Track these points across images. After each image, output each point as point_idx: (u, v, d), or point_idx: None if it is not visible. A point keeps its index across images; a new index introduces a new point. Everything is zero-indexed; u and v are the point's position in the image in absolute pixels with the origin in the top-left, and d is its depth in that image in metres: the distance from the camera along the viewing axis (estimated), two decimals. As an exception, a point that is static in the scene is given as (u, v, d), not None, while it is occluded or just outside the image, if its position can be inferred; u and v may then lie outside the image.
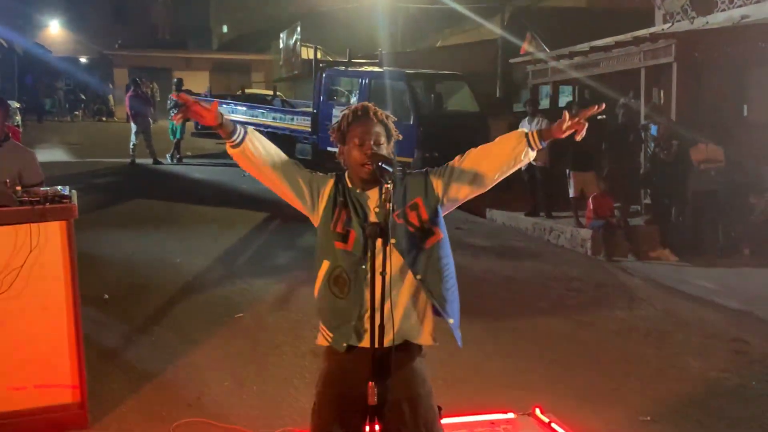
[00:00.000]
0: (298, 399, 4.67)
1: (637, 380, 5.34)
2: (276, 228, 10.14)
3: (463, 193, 2.74)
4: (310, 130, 15.07)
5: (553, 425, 3.99)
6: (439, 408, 2.77)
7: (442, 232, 2.70)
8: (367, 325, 2.61)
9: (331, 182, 2.74)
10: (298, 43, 19.89)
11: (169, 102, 17.55)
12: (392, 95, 13.34)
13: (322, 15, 26.25)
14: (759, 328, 6.66)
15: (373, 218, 2.64)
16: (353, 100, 14.19)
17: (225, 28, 38.85)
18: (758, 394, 5.13)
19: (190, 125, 18.60)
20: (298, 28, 20.12)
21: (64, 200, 4.17)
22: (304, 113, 15.91)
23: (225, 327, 6.17)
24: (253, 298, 7.00)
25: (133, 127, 16.34)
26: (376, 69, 15.29)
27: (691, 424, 4.63)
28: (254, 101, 18.73)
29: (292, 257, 8.49)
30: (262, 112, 16.72)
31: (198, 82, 25.71)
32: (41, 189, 4.32)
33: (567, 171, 10.56)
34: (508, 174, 2.77)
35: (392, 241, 2.57)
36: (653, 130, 10.59)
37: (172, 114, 17.13)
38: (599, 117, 13.23)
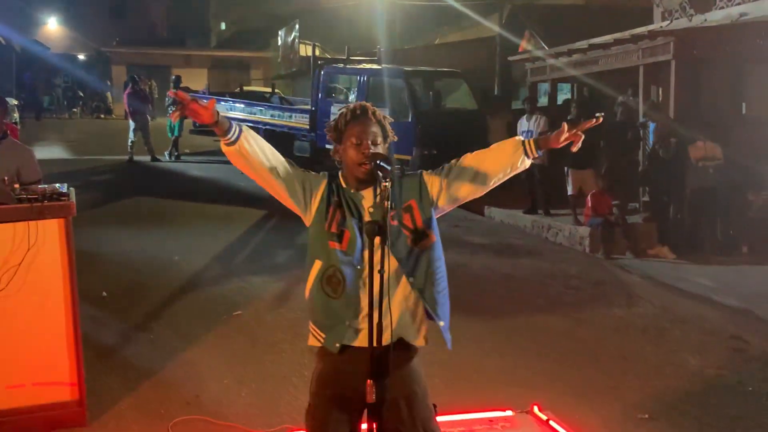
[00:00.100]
0: (296, 397, 4.67)
1: (635, 377, 5.34)
2: (274, 225, 10.15)
3: (458, 198, 2.75)
4: (308, 127, 15.06)
5: (551, 423, 3.99)
6: (435, 406, 2.78)
7: (435, 235, 2.70)
8: (362, 325, 2.60)
9: (324, 182, 2.72)
10: (297, 40, 19.92)
11: (167, 99, 17.54)
12: (390, 92, 13.33)
13: (320, 12, 26.23)
14: (757, 325, 6.67)
15: (367, 218, 2.63)
16: (352, 97, 14.18)
17: (223, 26, 38.85)
18: (756, 392, 5.13)
19: (188, 123, 18.57)
20: (297, 26, 20.15)
21: (63, 198, 4.16)
22: (302, 111, 15.90)
23: (223, 325, 6.17)
24: (251, 296, 7.00)
25: (132, 124, 16.34)
26: (375, 66, 15.27)
27: (688, 421, 4.64)
28: (252, 98, 18.73)
29: (290, 255, 8.50)
30: (261, 110, 16.71)
31: (196, 79, 25.69)
32: (39, 186, 4.32)
33: (565, 169, 10.57)
34: (503, 181, 2.77)
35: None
36: (652, 127, 10.59)
37: (171, 111, 17.13)
38: (597, 114, 13.24)
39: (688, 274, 8.46)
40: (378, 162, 2.55)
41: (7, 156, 4.62)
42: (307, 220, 2.73)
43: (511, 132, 12.52)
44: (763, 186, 9.58)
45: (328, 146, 2.85)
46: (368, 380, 2.51)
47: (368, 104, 2.76)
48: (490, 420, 4.03)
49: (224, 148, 2.62)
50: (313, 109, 15.07)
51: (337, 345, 2.64)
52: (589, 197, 9.89)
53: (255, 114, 16.62)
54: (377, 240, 2.48)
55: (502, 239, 10.28)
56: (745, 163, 9.61)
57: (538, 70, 14.59)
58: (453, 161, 2.76)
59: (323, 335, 2.69)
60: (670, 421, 4.62)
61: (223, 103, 17.04)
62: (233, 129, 2.57)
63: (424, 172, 2.78)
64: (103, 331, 5.82)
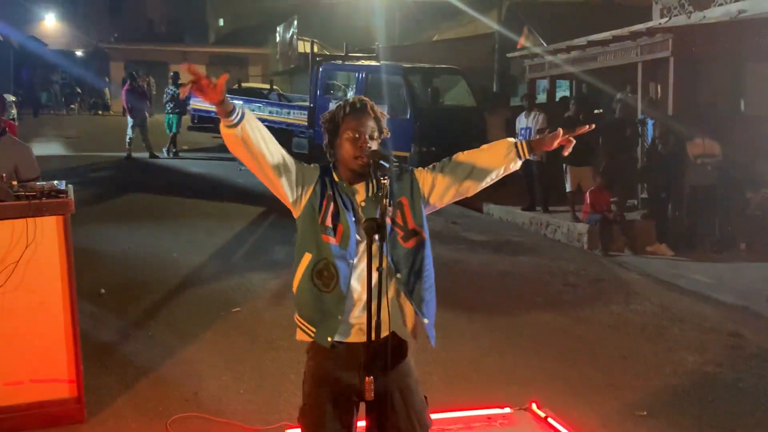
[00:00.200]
0: (295, 394, 4.65)
1: (634, 375, 5.35)
2: (272, 222, 10.15)
3: (448, 197, 2.75)
4: (306, 124, 15.06)
5: (550, 420, 3.99)
6: (425, 398, 2.78)
7: (425, 233, 2.69)
8: (355, 320, 2.60)
9: (317, 174, 2.70)
10: (295, 36, 19.88)
11: (165, 96, 17.53)
12: (389, 89, 13.32)
13: (318, 8, 26.18)
14: (755, 322, 6.68)
15: (360, 213, 2.63)
16: (350, 94, 14.18)
17: (221, 22, 38.80)
18: (754, 389, 5.14)
19: (186, 119, 18.59)
20: (295, 22, 20.10)
21: (61, 195, 4.15)
22: (300, 107, 15.90)
23: (221, 322, 6.17)
24: (249, 293, 7.00)
25: (130, 120, 16.33)
26: (373, 63, 15.27)
27: (686, 418, 4.64)
28: (251, 95, 18.72)
29: (288, 252, 8.47)
30: (259, 106, 16.70)
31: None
32: (37, 183, 4.30)
33: (564, 165, 10.58)
34: (493, 182, 2.78)
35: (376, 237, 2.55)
36: (650, 124, 10.59)
37: (169, 108, 17.13)
38: (596, 111, 13.27)
39: (687, 271, 8.47)
40: (377, 161, 2.54)
41: (4, 153, 4.60)
42: (296, 211, 2.69)
43: (510, 128, 12.53)
44: (762, 183, 9.58)
45: (326, 143, 2.82)
46: (367, 377, 2.49)
47: (367, 99, 2.75)
48: (489, 417, 4.03)
49: (224, 131, 2.52)
50: (312, 105, 15.06)
51: (330, 340, 2.61)
52: (587, 194, 9.89)
53: (253, 111, 16.32)
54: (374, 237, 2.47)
55: (501, 236, 10.29)
56: (744, 160, 9.62)
57: (536, 67, 14.58)
58: (445, 159, 2.76)
59: (313, 330, 2.64)
60: (668, 418, 4.63)
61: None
62: (236, 111, 2.49)
63: (416, 169, 2.77)
64: (101, 329, 5.82)
